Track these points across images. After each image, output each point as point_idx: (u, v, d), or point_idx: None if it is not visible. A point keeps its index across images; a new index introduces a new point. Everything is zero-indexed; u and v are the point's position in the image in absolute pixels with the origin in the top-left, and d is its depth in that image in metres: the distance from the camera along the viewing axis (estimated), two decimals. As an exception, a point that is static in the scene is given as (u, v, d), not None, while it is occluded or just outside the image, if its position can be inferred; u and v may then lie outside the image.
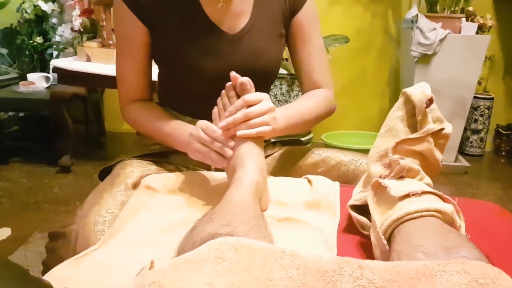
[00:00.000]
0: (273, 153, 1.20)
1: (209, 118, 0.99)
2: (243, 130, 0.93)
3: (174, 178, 1.04)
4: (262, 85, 1.11)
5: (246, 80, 0.95)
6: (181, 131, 1.04)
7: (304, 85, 1.19)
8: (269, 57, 1.13)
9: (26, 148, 3.05)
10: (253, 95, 0.95)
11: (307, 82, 1.18)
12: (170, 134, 1.06)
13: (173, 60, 1.09)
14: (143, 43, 1.10)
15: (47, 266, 0.86)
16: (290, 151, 1.20)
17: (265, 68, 1.13)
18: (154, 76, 1.18)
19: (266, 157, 1.18)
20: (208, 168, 1.12)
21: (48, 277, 0.69)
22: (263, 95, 0.96)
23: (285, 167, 1.17)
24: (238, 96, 0.97)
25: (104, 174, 1.14)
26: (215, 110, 0.99)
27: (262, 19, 1.12)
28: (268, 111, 0.96)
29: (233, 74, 0.95)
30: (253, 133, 0.93)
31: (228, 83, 0.97)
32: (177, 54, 1.08)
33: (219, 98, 0.99)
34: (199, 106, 1.07)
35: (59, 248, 0.88)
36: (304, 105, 1.12)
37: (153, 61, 1.16)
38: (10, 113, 3.12)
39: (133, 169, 1.06)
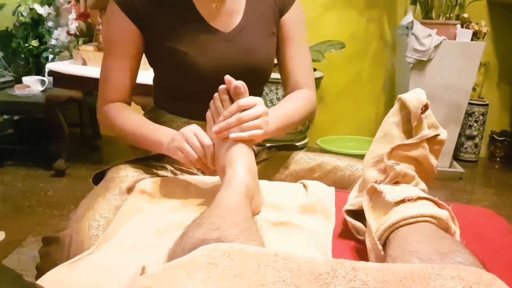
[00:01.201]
0: (269, 157, 1.20)
1: (205, 118, 0.99)
2: (236, 133, 0.93)
3: (169, 182, 1.04)
4: (256, 83, 1.12)
5: (240, 83, 0.95)
6: (158, 133, 1.03)
7: (287, 85, 1.21)
8: (262, 55, 1.15)
9: (21, 151, 3.03)
10: (247, 100, 0.95)
11: (290, 81, 1.20)
12: (147, 136, 1.05)
13: (168, 60, 1.09)
14: (133, 45, 1.10)
15: (41, 271, 0.86)
16: (285, 156, 1.20)
17: (258, 65, 1.14)
18: (143, 80, 1.18)
19: (261, 161, 1.18)
20: (202, 171, 1.12)
21: (42, 281, 0.68)
22: (256, 99, 0.96)
23: (281, 172, 1.17)
24: (231, 99, 0.96)
25: (97, 178, 1.13)
26: (208, 113, 0.99)
27: (254, 18, 1.14)
28: (262, 115, 0.96)
29: (227, 77, 0.95)
30: (246, 136, 0.93)
31: (221, 86, 0.96)
32: (172, 53, 1.08)
33: (212, 101, 0.98)
34: (194, 106, 1.07)
35: (53, 252, 0.88)
36: (290, 107, 1.13)
37: (140, 66, 1.15)
38: (5, 116, 3.10)
39: (127, 173, 1.06)
